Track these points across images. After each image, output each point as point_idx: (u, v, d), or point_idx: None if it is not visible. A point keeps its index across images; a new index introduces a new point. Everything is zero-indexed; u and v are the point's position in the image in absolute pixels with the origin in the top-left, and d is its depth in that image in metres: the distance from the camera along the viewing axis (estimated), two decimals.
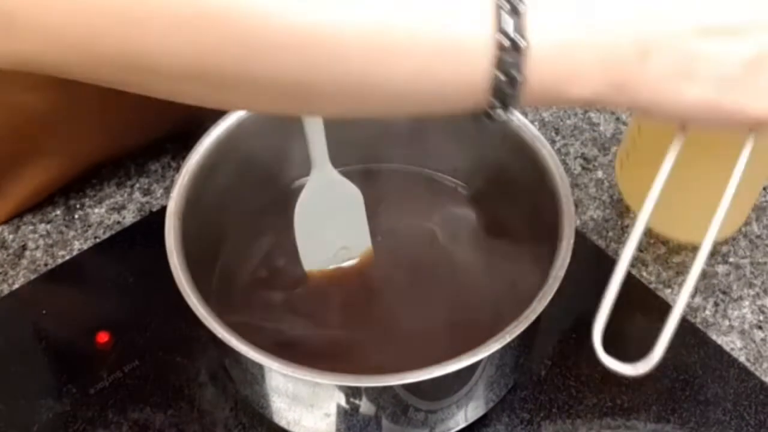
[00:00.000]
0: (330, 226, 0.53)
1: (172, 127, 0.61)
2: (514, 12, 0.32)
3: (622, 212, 0.61)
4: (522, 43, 0.32)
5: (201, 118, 0.52)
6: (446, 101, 0.35)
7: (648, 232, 0.56)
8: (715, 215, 0.40)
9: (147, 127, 0.61)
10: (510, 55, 0.32)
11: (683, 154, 0.41)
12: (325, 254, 0.54)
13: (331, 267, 0.54)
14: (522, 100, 0.34)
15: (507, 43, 0.32)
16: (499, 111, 0.34)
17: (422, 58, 0.33)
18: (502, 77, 0.33)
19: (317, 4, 0.31)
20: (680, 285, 0.56)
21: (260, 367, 0.43)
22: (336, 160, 0.52)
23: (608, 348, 0.39)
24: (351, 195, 0.53)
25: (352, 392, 0.43)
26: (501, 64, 0.33)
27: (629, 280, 0.55)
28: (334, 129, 0.50)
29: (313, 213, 0.53)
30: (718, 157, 0.43)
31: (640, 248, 0.58)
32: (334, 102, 0.34)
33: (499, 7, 0.32)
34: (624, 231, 0.60)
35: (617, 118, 0.68)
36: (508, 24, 0.32)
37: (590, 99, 0.35)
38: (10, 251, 0.58)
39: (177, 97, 0.34)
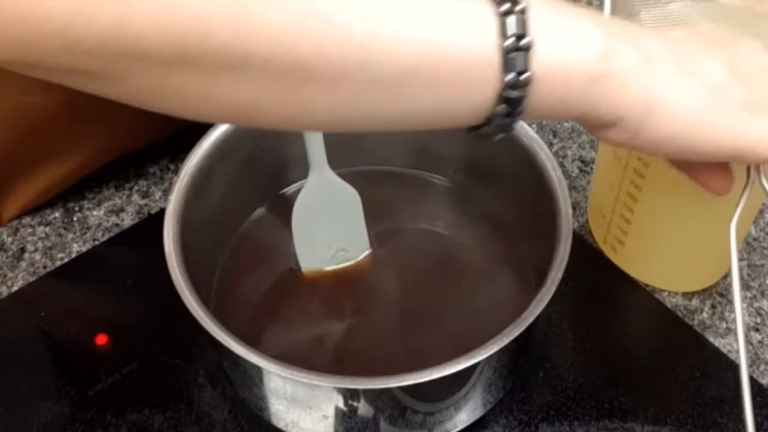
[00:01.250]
0: (328, 228, 0.54)
1: (182, 126, 0.61)
2: (521, 47, 0.32)
3: None
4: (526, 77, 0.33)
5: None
6: (447, 118, 0.35)
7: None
8: (732, 263, 0.40)
9: (158, 126, 0.61)
10: (514, 85, 0.33)
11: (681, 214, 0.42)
12: (323, 256, 0.54)
13: (330, 269, 0.55)
14: (526, 116, 0.35)
15: (513, 77, 0.32)
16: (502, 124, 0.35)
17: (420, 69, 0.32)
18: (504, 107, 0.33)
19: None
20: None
21: (258, 369, 0.43)
22: (334, 162, 0.52)
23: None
24: (349, 197, 0.53)
25: (350, 394, 0.43)
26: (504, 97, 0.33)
27: (630, 284, 0.56)
28: None
29: (311, 215, 0.53)
30: (715, 212, 0.43)
31: None
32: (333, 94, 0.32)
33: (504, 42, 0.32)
34: None
35: None
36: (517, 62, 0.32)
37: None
38: (9, 253, 0.58)
39: (158, 97, 0.32)
